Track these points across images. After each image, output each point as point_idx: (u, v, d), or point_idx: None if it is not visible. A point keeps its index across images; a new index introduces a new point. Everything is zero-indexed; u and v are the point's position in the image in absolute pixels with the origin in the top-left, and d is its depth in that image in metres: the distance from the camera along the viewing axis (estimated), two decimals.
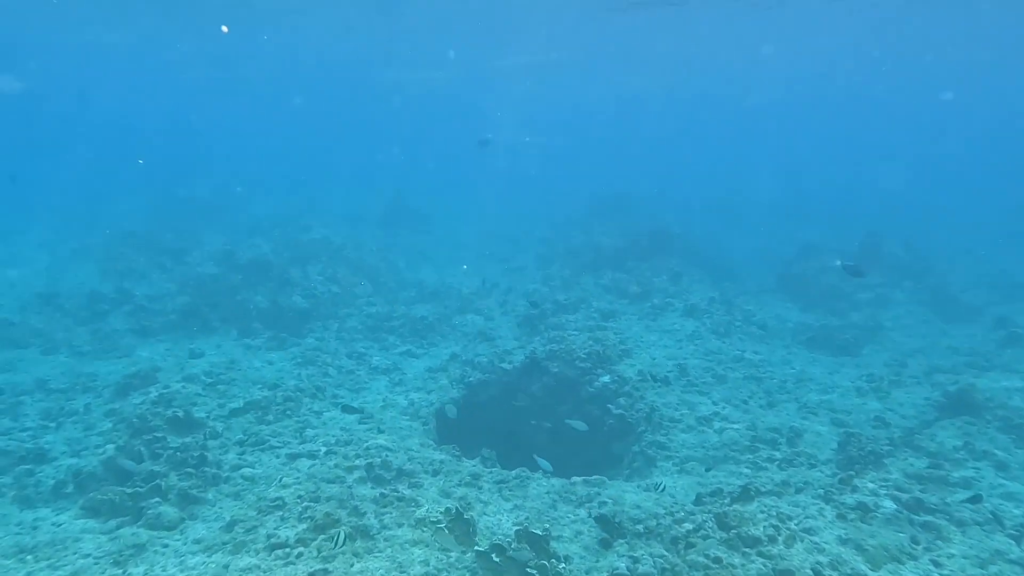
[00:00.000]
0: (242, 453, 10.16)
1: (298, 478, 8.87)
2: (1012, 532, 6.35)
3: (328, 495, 8.26)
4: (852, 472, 7.89)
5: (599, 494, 8.71)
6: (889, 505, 6.89)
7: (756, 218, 40.78)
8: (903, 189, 51.46)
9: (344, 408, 12.09)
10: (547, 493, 8.73)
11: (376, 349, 16.04)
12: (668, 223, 29.91)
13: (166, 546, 7.69)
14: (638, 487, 9.11)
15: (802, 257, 26.47)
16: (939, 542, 6.23)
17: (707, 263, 25.92)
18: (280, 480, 8.75)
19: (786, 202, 45.80)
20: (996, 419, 9.76)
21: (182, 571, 7.03)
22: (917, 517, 6.64)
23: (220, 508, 8.59)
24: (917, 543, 6.20)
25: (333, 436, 10.71)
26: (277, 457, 10.04)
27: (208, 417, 11.14)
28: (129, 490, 8.64)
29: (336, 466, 9.21)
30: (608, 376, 12.69)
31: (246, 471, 9.54)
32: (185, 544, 7.67)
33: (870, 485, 7.48)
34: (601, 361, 13.11)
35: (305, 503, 8.06)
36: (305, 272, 20.13)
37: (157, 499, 8.49)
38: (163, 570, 7.12)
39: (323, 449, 10.11)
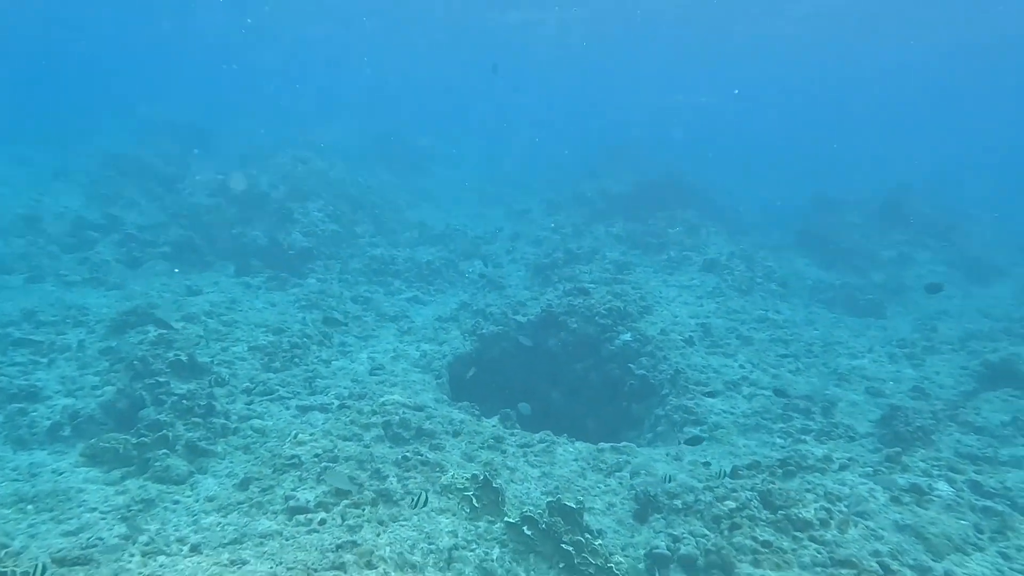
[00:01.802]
0: (250, 403, 9.91)
1: (313, 434, 8.62)
2: None
3: (346, 455, 8.04)
4: (899, 449, 7.73)
5: (628, 462, 8.56)
6: (945, 488, 6.76)
7: (771, 168, 40.24)
8: (926, 146, 50.62)
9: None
10: (575, 460, 8.57)
11: (382, 294, 15.68)
12: (681, 171, 29.31)
13: (177, 503, 7.48)
14: (667, 455, 8.96)
15: (820, 211, 26.10)
16: (1006, 531, 6.12)
17: (722, 214, 25.49)
18: (295, 436, 8.51)
19: (803, 152, 45.12)
20: None
21: (197, 532, 6.83)
22: (977, 501, 6.52)
23: (231, 462, 8.38)
24: (981, 532, 6.09)
25: (345, 388, 10.47)
26: (287, 409, 9.81)
27: (213, 362, 10.84)
28: (134, 439, 8.38)
29: (352, 423, 8.97)
30: (629, 334, 12.44)
31: (256, 423, 9.31)
32: (197, 502, 7.46)
33: (921, 464, 7.34)
34: (621, 318, 12.84)
35: (323, 463, 7.84)
36: (305, 208, 19.53)
37: (164, 450, 8.25)
38: (176, 529, 6.91)
39: (336, 402, 9.88)
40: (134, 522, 7.02)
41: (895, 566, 5.64)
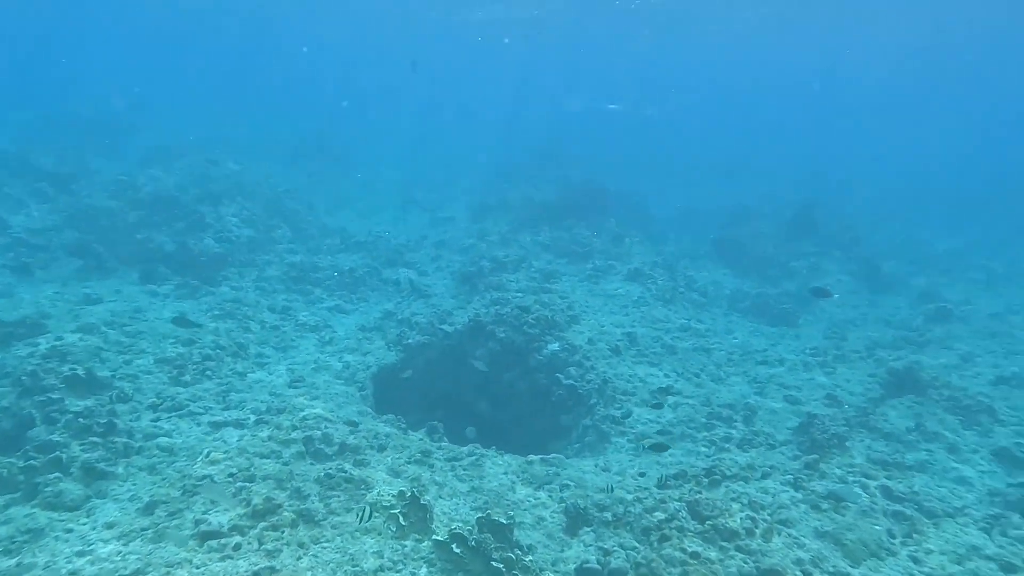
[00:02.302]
0: (157, 419, 9.29)
1: (227, 452, 8.15)
2: (984, 525, 6.67)
3: (264, 473, 7.65)
4: (816, 456, 8.06)
5: (558, 474, 8.54)
6: (859, 493, 7.07)
7: (689, 178, 41.65)
8: (831, 157, 53.79)
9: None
10: (504, 473, 8.47)
11: (302, 303, 15.14)
12: (604, 180, 29.93)
13: (70, 531, 6.90)
14: (596, 466, 9.01)
15: (736, 222, 27.16)
16: (915, 535, 6.46)
17: (644, 223, 26.20)
18: (207, 454, 8.02)
19: (718, 163, 46.91)
20: (942, 399, 10.29)
21: (93, 563, 6.30)
22: (889, 506, 6.85)
23: (134, 485, 7.81)
24: (894, 536, 6.40)
25: (262, 402, 9.99)
26: (198, 425, 9.26)
27: (114, 376, 10.11)
28: (21, 463, 7.67)
29: (270, 439, 8.54)
30: (557, 343, 12.49)
31: (163, 440, 8.73)
32: (95, 529, 6.89)
33: (837, 471, 7.67)
34: (549, 327, 12.87)
35: (239, 483, 7.41)
36: (218, 212, 18.63)
37: (57, 474, 7.60)
38: (68, 562, 6.35)
39: (252, 417, 9.41)
40: (19, 555, 6.41)
41: (816, 574, 5.84)
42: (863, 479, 7.41)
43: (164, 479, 7.78)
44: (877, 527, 6.48)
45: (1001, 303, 17.91)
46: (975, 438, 9.46)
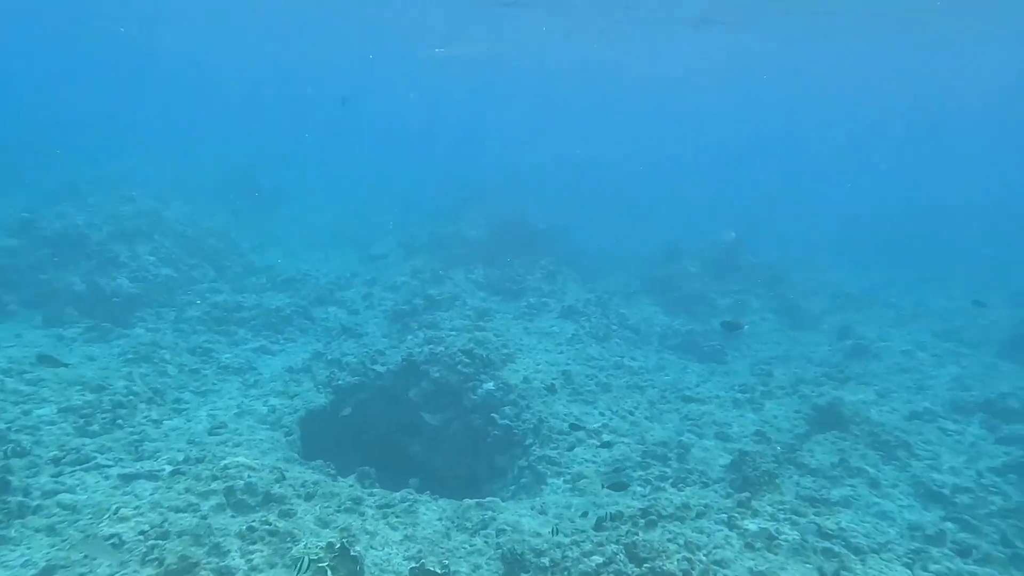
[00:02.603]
0: (58, 474, 8.59)
1: (139, 507, 7.59)
2: (906, 560, 6.90)
3: (180, 529, 7.15)
4: (749, 494, 8.19)
5: (494, 519, 8.36)
6: (789, 531, 7.21)
7: (617, 217, 42.72)
8: (754, 195, 56.46)
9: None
10: (439, 519, 8.22)
11: (224, 344, 14.49)
12: (536, 217, 30.39)
13: None
14: (533, 509, 8.88)
15: (665, 260, 27.94)
16: (843, 572, 6.60)
17: (575, 260, 26.59)
18: (115, 510, 7.44)
19: (647, 200, 48.48)
20: (864, 434, 10.71)
21: None
22: (818, 543, 7.00)
23: (29, 548, 7.16)
24: (824, 575, 6.52)
25: (180, 451, 9.41)
26: (107, 479, 8.61)
27: (10, 428, 9.34)
28: None
29: (187, 491, 8.03)
30: (492, 383, 12.38)
31: (65, 497, 8.07)
32: None
33: (768, 508, 7.80)
34: (484, 366, 12.76)
35: (151, 541, 6.90)
36: (133, 251, 17.76)
37: None
38: None
39: (167, 468, 8.83)
40: None
41: None
42: (793, 516, 7.57)
43: (64, 540, 7.17)
44: (808, 565, 6.60)
45: (910, 340, 18.96)
46: (894, 472, 9.86)
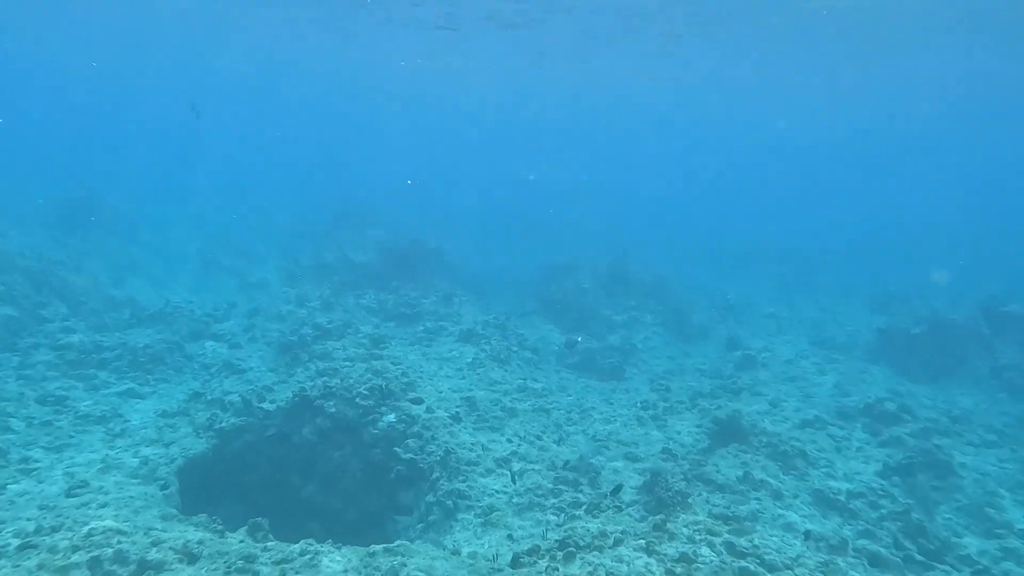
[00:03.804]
0: None
1: None
2: (819, 573, 7.10)
3: None
4: (663, 516, 8.19)
5: (404, 565, 7.85)
6: (707, 553, 7.23)
7: (496, 235, 43.15)
8: (637, 214, 58.87)
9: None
10: (344, 572, 7.62)
11: (81, 389, 12.99)
12: (425, 238, 30.03)
13: None
14: (445, 550, 8.46)
15: (556, 277, 28.35)
16: None
17: (468, 281, 26.45)
18: None
19: (523, 220, 49.34)
20: (763, 445, 11.13)
21: None
22: (735, 563, 7.07)
23: None
24: None
25: (29, 520, 8.20)
26: None
27: None
28: None
29: (41, 567, 6.97)
30: (394, 415, 11.84)
31: None
32: None
33: (684, 530, 7.81)
34: (385, 397, 12.20)
35: None
36: None
37: None
38: None
39: (14, 542, 7.63)
40: None
41: None
42: (709, 536, 7.63)
43: None
44: None
45: (791, 349, 20.20)
46: (794, 483, 10.30)
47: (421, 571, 7.69)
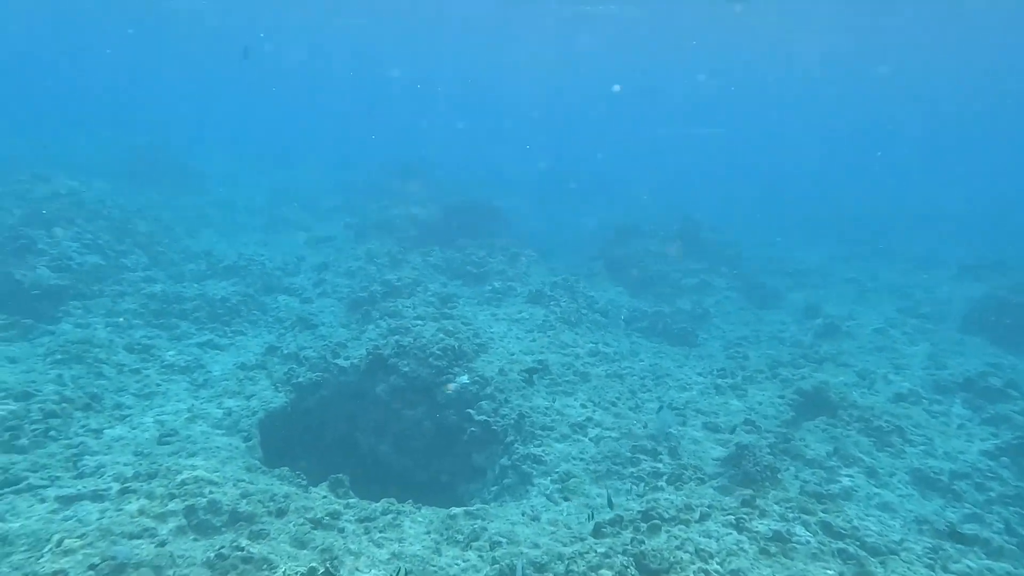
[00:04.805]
0: None
1: (85, 536, 6.83)
2: (928, 562, 6.79)
3: (138, 560, 6.44)
4: (752, 492, 7.98)
5: (485, 529, 7.91)
6: (802, 532, 7.01)
7: (557, 195, 42.52)
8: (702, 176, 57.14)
9: None
10: (427, 533, 7.73)
11: (166, 339, 13.49)
12: (488, 197, 29.91)
13: None
14: (524, 515, 8.48)
15: (621, 239, 27.81)
16: None
17: (531, 241, 26.20)
18: (58, 542, 6.67)
19: (585, 180, 48.42)
20: (854, 419, 10.71)
21: None
22: (833, 544, 6.83)
23: None
24: None
25: (127, 465, 8.59)
26: (42, 502, 7.74)
27: None
28: None
29: (141, 513, 7.29)
30: (467, 376, 11.87)
31: None
32: None
33: (776, 507, 7.60)
34: (457, 358, 12.24)
35: None
36: (52, 236, 16.37)
37: None
38: None
39: (115, 486, 8.01)
40: None
41: None
42: (802, 515, 7.39)
43: None
44: (829, 571, 6.41)
45: (879, 317, 19.34)
46: (889, 460, 9.88)
47: (502, 536, 7.72)
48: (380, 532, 7.67)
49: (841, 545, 6.88)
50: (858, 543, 6.90)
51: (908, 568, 6.52)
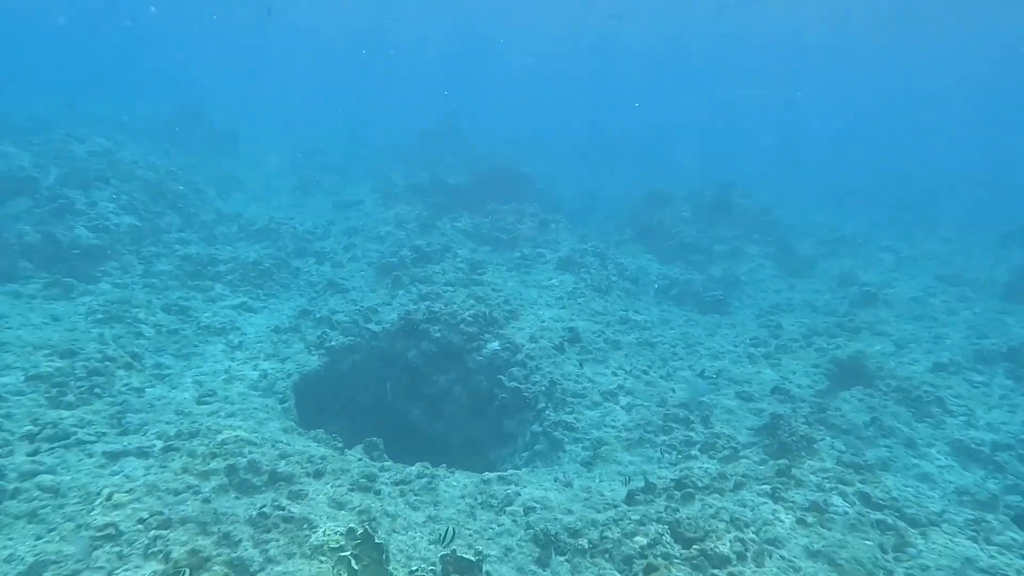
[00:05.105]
0: (35, 452, 7.99)
1: (132, 490, 7.07)
2: (971, 534, 6.75)
3: (183, 516, 6.66)
4: (787, 461, 7.97)
5: (519, 494, 8.02)
6: (839, 503, 7.00)
7: (590, 161, 42.00)
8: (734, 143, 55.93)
9: None
10: (461, 497, 7.86)
11: (201, 301, 13.74)
12: (517, 162, 29.66)
13: None
14: (556, 481, 8.58)
15: (653, 206, 27.49)
16: (906, 548, 6.42)
17: (560, 207, 26.04)
18: (108, 495, 6.91)
19: (618, 147, 47.72)
20: (891, 390, 10.60)
21: None
22: (872, 515, 6.81)
23: (11, 539, 6.61)
24: (886, 552, 6.33)
25: (169, 423, 8.84)
26: (90, 456, 8.03)
27: None
28: None
29: (184, 470, 7.52)
30: (497, 342, 11.95)
31: (45, 479, 7.48)
32: None
33: (812, 478, 7.58)
34: (488, 324, 12.30)
35: (152, 531, 6.41)
36: (90, 197, 16.65)
37: None
38: None
39: (158, 444, 8.26)
40: None
41: None
42: (840, 486, 7.37)
43: (52, 530, 6.64)
44: (868, 542, 6.40)
45: (917, 285, 18.98)
46: (928, 431, 9.79)
47: (536, 502, 7.82)
48: (415, 495, 7.82)
49: (880, 516, 6.86)
50: (897, 514, 6.88)
51: (950, 539, 6.49)
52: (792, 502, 7.15)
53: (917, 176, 44.00)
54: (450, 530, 6.19)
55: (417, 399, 12.18)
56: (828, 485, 7.42)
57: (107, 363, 10.13)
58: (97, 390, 9.49)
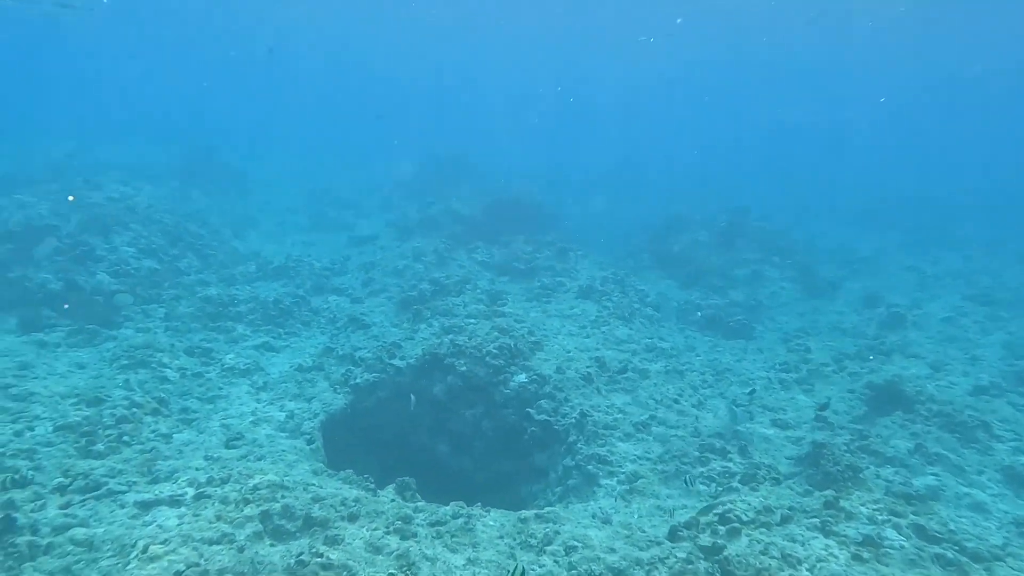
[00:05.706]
0: (67, 505, 7.93)
1: (167, 541, 6.99)
2: None
3: (220, 567, 6.57)
4: (834, 492, 7.79)
5: (558, 532, 7.87)
6: (894, 536, 6.80)
7: (599, 186, 42.09)
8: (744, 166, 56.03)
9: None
10: (500, 537, 7.72)
11: (223, 342, 13.76)
12: (531, 192, 29.81)
13: None
14: (594, 517, 8.43)
15: (669, 230, 27.45)
16: None
17: (575, 235, 26.06)
18: (143, 548, 6.84)
19: (624, 171, 47.89)
20: (932, 415, 10.39)
21: None
22: (930, 549, 6.62)
23: None
24: None
25: (199, 469, 8.77)
26: (122, 507, 7.96)
27: (3, 453, 8.63)
28: None
29: (218, 518, 7.44)
30: (524, 374, 11.85)
31: (78, 532, 7.42)
32: None
33: (863, 509, 7.40)
34: (513, 356, 12.22)
35: None
36: (109, 242, 16.84)
37: None
38: None
39: (190, 491, 8.19)
40: None
41: None
42: (893, 518, 7.17)
43: None
44: None
45: (946, 305, 18.74)
46: (976, 457, 9.57)
47: (577, 540, 7.67)
48: (453, 536, 7.70)
49: (939, 550, 6.66)
50: (957, 547, 6.68)
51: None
52: (844, 536, 6.97)
53: (932, 192, 43.79)
54: (519, 568, 6.04)
55: (443, 435, 12.08)
56: (880, 517, 7.23)
57: (134, 410, 10.12)
58: (126, 438, 9.46)
